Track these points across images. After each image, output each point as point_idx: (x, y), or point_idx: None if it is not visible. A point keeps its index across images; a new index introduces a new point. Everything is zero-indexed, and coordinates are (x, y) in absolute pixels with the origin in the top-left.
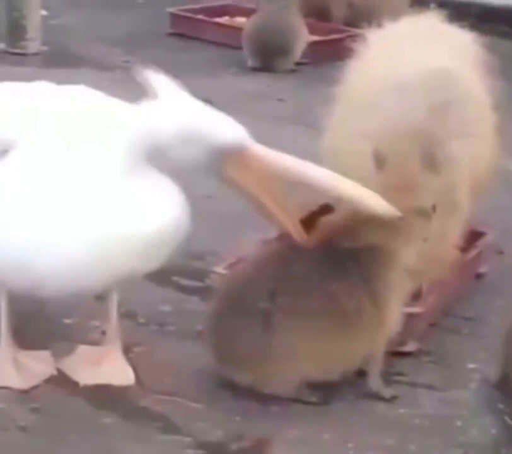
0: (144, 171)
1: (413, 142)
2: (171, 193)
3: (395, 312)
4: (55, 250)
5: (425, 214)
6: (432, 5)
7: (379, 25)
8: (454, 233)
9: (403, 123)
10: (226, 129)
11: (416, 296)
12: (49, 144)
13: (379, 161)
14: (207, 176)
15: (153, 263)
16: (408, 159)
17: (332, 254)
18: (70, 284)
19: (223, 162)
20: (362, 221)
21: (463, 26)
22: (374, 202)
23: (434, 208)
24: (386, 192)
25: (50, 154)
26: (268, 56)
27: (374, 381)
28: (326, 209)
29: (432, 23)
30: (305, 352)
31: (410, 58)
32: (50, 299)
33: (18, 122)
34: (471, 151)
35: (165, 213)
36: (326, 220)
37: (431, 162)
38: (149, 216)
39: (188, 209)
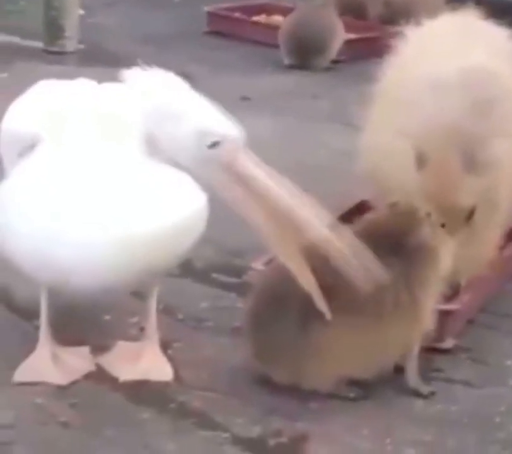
0: (161, 166)
1: (454, 142)
2: (190, 187)
3: (430, 308)
4: (77, 243)
5: (466, 214)
6: (468, 3)
7: (416, 23)
8: (495, 233)
9: (443, 122)
10: (213, 119)
11: (454, 293)
12: (77, 141)
13: (421, 161)
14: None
15: (174, 258)
16: (449, 160)
17: (373, 248)
18: (93, 278)
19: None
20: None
21: (500, 24)
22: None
23: (474, 208)
24: (426, 192)
25: (76, 149)
26: (305, 54)
27: (412, 377)
28: (364, 205)
29: (469, 20)
30: (344, 348)
31: (448, 55)
32: (75, 293)
33: (47, 117)
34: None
35: (185, 207)
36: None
37: (472, 162)
38: (170, 211)
39: (206, 204)
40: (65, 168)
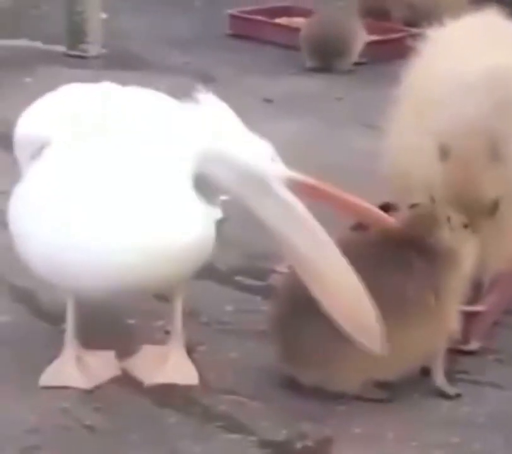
0: (175, 178)
1: (477, 135)
2: (199, 203)
3: (455, 310)
4: (88, 249)
5: (490, 206)
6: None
7: (439, 24)
8: None
9: (468, 118)
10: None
11: (476, 294)
12: (90, 145)
13: (444, 153)
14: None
15: (183, 271)
16: (473, 151)
17: (399, 250)
18: (104, 284)
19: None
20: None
21: None
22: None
23: (498, 201)
24: (449, 184)
25: (89, 153)
26: (326, 56)
27: (439, 379)
28: (387, 207)
29: (492, 20)
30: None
31: (472, 56)
32: (87, 297)
33: (60, 120)
34: None
35: (195, 222)
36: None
37: (496, 154)
38: (183, 228)
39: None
40: (77, 173)
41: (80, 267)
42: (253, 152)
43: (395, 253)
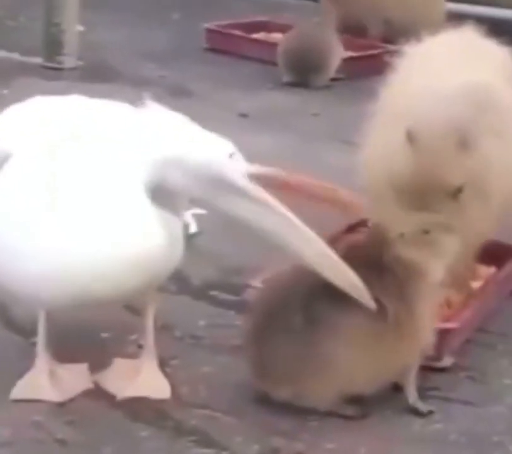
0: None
1: (446, 123)
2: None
3: (428, 322)
4: (45, 260)
5: (454, 193)
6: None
7: (417, 40)
8: (485, 226)
9: (441, 116)
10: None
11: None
12: (51, 157)
13: (411, 138)
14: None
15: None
16: (440, 137)
17: (368, 266)
18: (62, 294)
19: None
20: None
21: (499, 42)
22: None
23: (462, 188)
24: (416, 169)
25: (49, 165)
26: (303, 72)
27: (411, 396)
28: (363, 224)
29: (469, 37)
30: (344, 365)
31: (448, 72)
32: (51, 309)
33: (22, 134)
34: (503, 156)
35: (152, 234)
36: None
37: (462, 140)
38: (140, 235)
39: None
40: (37, 185)
41: (41, 277)
42: (208, 153)
43: (365, 273)
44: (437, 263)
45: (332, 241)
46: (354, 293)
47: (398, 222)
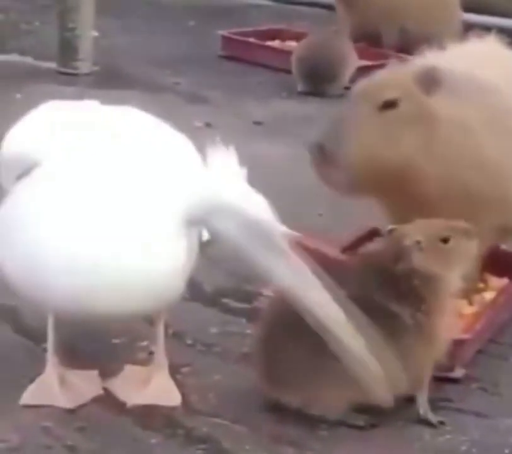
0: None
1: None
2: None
3: (443, 331)
4: (62, 269)
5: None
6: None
7: (433, 50)
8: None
9: None
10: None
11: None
12: (77, 164)
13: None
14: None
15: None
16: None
17: (382, 275)
18: (81, 307)
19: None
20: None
21: None
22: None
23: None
24: None
25: (76, 173)
26: (317, 81)
27: (422, 407)
28: (376, 233)
29: (488, 46)
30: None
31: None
32: (68, 318)
33: (47, 140)
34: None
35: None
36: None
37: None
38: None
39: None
40: (61, 193)
41: (58, 288)
42: (256, 206)
43: (381, 283)
44: (456, 271)
45: (351, 248)
46: (357, 367)
47: (414, 229)
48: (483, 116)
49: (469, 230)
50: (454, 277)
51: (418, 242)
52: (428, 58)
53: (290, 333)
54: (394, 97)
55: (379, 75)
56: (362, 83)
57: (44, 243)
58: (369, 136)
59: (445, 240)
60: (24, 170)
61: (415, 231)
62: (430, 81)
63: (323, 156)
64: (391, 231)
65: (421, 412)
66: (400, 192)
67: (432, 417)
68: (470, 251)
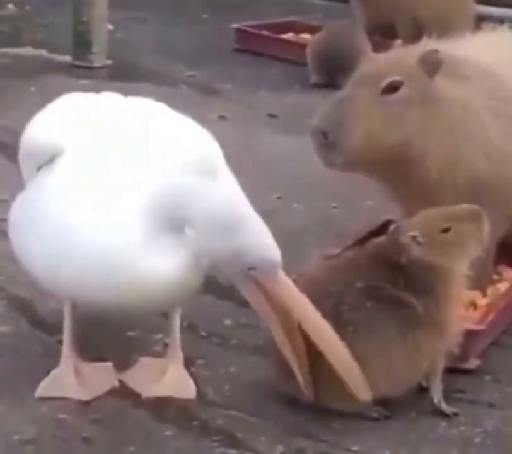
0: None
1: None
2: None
3: (454, 320)
4: (84, 261)
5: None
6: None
7: (454, 39)
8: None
9: None
10: (263, 246)
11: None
12: (98, 156)
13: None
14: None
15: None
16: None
17: (391, 266)
18: (102, 297)
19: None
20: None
21: None
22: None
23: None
24: None
25: (97, 165)
26: (332, 73)
27: (436, 398)
28: (389, 224)
29: (497, 36)
30: (371, 366)
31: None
32: (88, 308)
33: (68, 131)
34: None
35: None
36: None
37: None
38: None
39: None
40: (83, 184)
41: (85, 277)
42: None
43: (390, 274)
44: (464, 259)
45: (365, 240)
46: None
47: (413, 223)
48: (484, 99)
49: (473, 211)
50: (463, 265)
51: (414, 237)
52: (430, 44)
53: None
54: (396, 80)
55: (380, 60)
56: (363, 67)
57: (75, 231)
58: (372, 121)
59: (445, 230)
60: (46, 160)
61: (413, 226)
62: (432, 63)
63: (326, 141)
64: (396, 223)
65: (435, 403)
66: (405, 176)
67: (446, 408)
68: (477, 233)
